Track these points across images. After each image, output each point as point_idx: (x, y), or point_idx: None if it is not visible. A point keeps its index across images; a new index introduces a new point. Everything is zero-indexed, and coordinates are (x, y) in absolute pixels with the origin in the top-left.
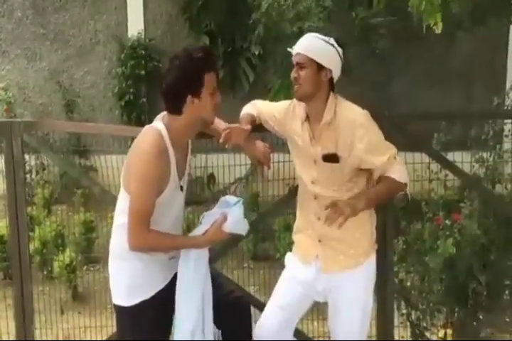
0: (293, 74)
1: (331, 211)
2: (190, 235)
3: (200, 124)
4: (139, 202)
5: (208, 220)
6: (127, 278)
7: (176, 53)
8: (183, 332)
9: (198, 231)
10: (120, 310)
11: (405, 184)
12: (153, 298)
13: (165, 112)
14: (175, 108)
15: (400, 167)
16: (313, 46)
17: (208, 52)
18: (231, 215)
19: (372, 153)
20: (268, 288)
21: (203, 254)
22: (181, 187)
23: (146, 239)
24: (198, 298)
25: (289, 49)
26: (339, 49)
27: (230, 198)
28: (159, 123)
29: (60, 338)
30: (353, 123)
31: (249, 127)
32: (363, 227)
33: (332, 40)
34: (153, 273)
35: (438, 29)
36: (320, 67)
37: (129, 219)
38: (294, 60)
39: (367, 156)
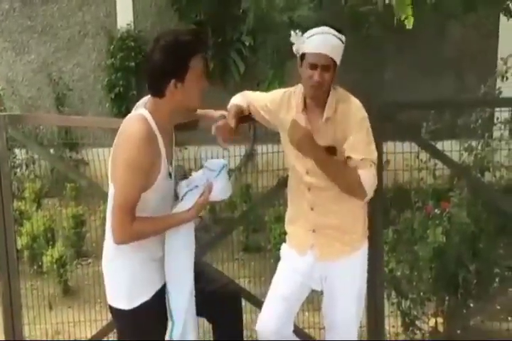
0: (317, 78)
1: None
2: (173, 212)
3: (184, 110)
4: (124, 192)
5: (192, 195)
6: (127, 280)
7: (161, 33)
8: (179, 311)
9: (181, 207)
10: (120, 314)
11: (364, 192)
12: (152, 298)
13: (146, 98)
14: (157, 90)
15: (369, 174)
16: (337, 48)
17: (197, 35)
18: (217, 184)
19: (355, 147)
20: (260, 279)
21: (191, 229)
22: (170, 175)
23: (133, 230)
24: (190, 275)
25: (293, 40)
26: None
27: (214, 164)
28: (143, 110)
29: (50, 333)
30: (353, 117)
31: (233, 123)
32: (356, 213)
33: (344, 38)
34: (152, 273)
35: (409, 24)
36: (336, 66)
37: (114, 211)
38: (318, 60)
39: (347, 147)
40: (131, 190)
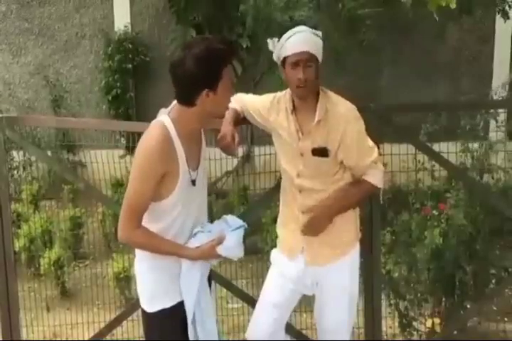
0: (300, 76)
1: (309, 226)
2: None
3: (210, 117)
4: (131, 199)
5: (202, 237)
6: (149, 283)
7: (192, 40)
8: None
9: (190, 243)
10: (143, 313)
11: (377, 189)
12: (172, 308)
13: (173, 104)
14: (187, 99)
15: (378, 172)
16: (316, 44)
17: (229, 44)
18: (229, 240)
19: (358, 151)
20: (257, 281)
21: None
22: (193, 182)
23: (132, 235)
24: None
25: (272, 48)
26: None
27: (233, 220)
28: (165, 117)
29: (47, 335)
30: (344, 118)
31: (231, 128)
32: (347, 217)
33: (320, 33)
34: (176, 282)
35: (453, 3)
36: (318, 62)
37: (121, 212)
38: (300, 58)
39: (351, 154)
40: (138, 199)
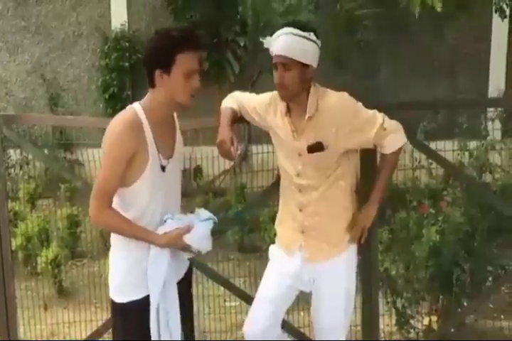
0: (278, 79)
1: (355, 233)
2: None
3: (176, 105)
4: (102, 178)
5: (171, 224)
6: (120, 273)
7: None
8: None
9: (159, 230)
10: (112, 304)
11: (401, 147)
12: (143, 299)
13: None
14: (149, 79)
15: (392, 135)
16: (296, 47)
17: (188, 33)
18: (196, 230)
19: (361, 131)
20: (255, 279)
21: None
22: (163, 168)
23: (102, 215)
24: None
25: (267, 46)
26: (318, 42)
27: (204, 213)
28: (135, 103)
29: (45, 334)
30: (336, 108)
31: (229, 132)
32: (346, 215)
33: (312, 35)
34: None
35: (437, 7)
36: (304, 66)
37: (92, 193)
38: (276, 61)
39: (355, 136)
40: (107, 179)
